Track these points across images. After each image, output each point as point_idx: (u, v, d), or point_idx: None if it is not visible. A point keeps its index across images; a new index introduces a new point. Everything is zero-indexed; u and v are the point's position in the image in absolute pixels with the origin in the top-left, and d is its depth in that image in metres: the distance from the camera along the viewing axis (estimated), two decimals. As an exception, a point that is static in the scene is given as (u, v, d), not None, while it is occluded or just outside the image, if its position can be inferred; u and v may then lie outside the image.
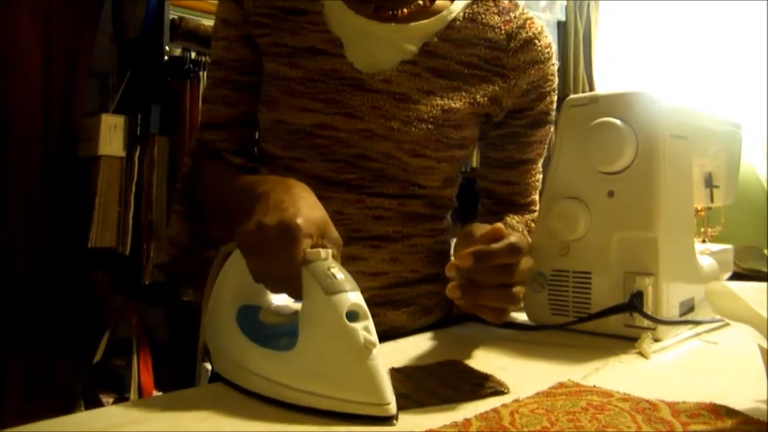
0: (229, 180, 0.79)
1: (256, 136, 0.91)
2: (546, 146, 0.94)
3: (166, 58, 1.99)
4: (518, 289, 0.63)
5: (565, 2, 3.21)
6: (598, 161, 0.79)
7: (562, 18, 3.22)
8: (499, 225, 0.64)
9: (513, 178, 0.93)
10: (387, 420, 0.50)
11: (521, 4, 0.90)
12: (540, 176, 0.96)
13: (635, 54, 3.10)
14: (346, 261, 0.81)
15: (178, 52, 2.00)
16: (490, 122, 0.88)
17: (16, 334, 1.85)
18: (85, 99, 2.05)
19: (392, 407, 0.50)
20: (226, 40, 0.86)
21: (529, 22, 0.87)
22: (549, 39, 0.89)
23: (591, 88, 3.16)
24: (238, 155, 0.88)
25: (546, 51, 0.87)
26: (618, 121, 0.77)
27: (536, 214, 0.95)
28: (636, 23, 3.12)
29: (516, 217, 0.91)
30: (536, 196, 0.96)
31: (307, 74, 0.80)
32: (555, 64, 0.89)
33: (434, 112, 0.81)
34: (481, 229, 0.67)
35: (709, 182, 0.95)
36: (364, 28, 0.82)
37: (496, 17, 0.85)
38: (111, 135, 1.93)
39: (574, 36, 3.16)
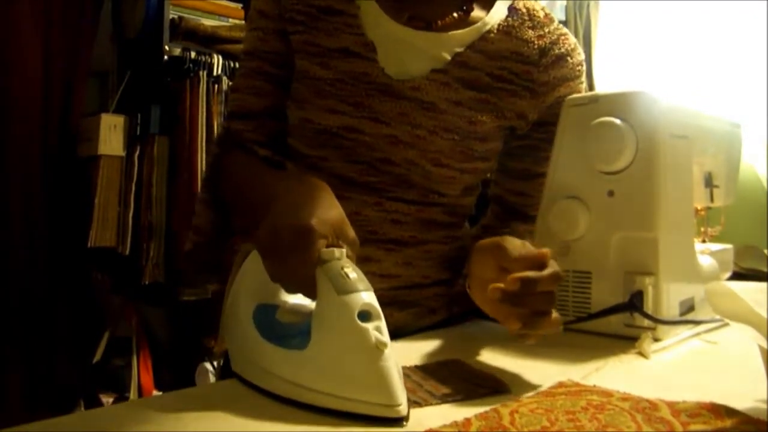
0: (252, 174, 0.79)
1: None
2: None
3: (165, 57, 1.99)
4: (557, 315, 0.63)
5: (565, 2, 3.21)
6: (598, 161, 0.79)
7: (562, 18, 3.22)
8: (546, 251, 0.64)
9: (527, 190, 0.92)
10: (397, 421, 0.50)
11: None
12: None
13: (635, 54, 3.10)
14: (359, 261, 0.81)
15: (177, 51, 2.00)
16: (514, 134, 0.88)
17: (16, 334, 1.85)
18: (85, 99, 2.05)
19: (402, 408, 0.50)
20: (261, 31, 0.85)
21: (563, 38, 0.87)
22: (582, 56, 0.88)
23: (591, 88, 3.16)
24: (265, 147, 0.86)
25: (577, 69, 0.87)
26: (618, 121, 0.77)
27: None
28: (636, 23, 3.12)
29: (523, 226, 0.91)
30: None
31: (337, 75, 0.80)
32: (584, 82, 0.89)
33: (461, 123, 0.81)
34: (514, 245, 0.66)
35: (709, 182, 0.95)
36: (398, 34, 0.81)
37: (531, 32, 0.85)
38: (111, 135, 1.93)
39: (573, 36, 3.16)
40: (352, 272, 0.54)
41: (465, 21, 0.83)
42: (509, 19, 0.85)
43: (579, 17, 3.21)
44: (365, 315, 0.53)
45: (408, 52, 0.81)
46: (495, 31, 0.83)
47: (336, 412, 0.51)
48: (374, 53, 0.80)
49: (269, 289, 0.62)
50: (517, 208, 0.93)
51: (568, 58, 0.86)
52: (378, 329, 0.52)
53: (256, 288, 0.62)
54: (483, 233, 0.91)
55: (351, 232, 0.60)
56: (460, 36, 0.82)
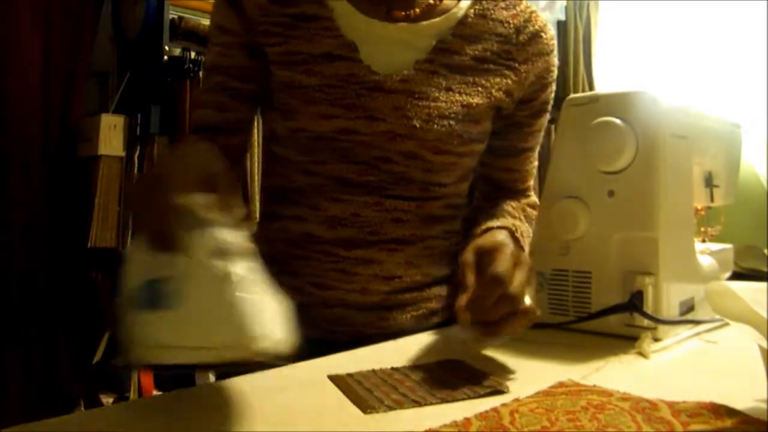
0: None
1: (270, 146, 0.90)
2: (542, 134, 0.97)
3: (165, 57, 1.99)
4: (527, 304, 0.63)
5: (564, 2, 3.21)
6: (598, 160, 0.79)
7: (562, 18, 3.22)
8: (494, 273, 0.63)
9: (514, 165, 0.94)
10: (273, 356, 0.45)
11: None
12: (536, 163, 0.98)
13: (635, 54, 3.10)
14: (361, 264, 0.82)
15: (177, 51, 2.00)
16: (499, 114, 0.89)
17: (15, 334, 1.85)
18: (85, 99, 2.05)
19: (264, 342, 0.44)
20: (222, 46, 0.85)
21: (534, 15, 0.89)
22: (552, 31, 0.91)
23: (591, 88, 3.16)
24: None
25: (551, 43, 0.90)
26: (618, 121, 0.77)
27: (532, 198, 0.97)
28: (636, 23, 3.12)
29: (512, 203, 0.92)
30: (532, 182, 0.98)
31: (324, 81, 0.80)
32: (557, 56, 0.92)
33: (454, 108, 0.82)
34: (469, 262, 0.68)
35: (709, 182, 0.95)
36: (376, 30, 0.82)
37: (504, 12, 0.87)
38: (111, 135, 1.93)
39: (574, 36, 3.16)
40: (209, 213, 0.49)
41: (439, 8, 0.84)
42: (482, 2, 0.86)
43: (579, 17, 3.21)
44: (221, 252, 0.47)
45: (390, 46, 0.82)
46: (471, 16, 0.85)
47: (211, 365, 0.46)
48: (357, 53, 0.80)
49: (155, 263, 0.52)
50: (505, 183, 0.95)
51: (542, 34, 0.89)
52: (235, 264, 0.46)
53: (142, 268, 0.53)
54: (474, 214, 0.92)
55: (220, 182, 0.56)
56: (438, 24, 0.83)
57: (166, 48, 1.99)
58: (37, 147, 1.92)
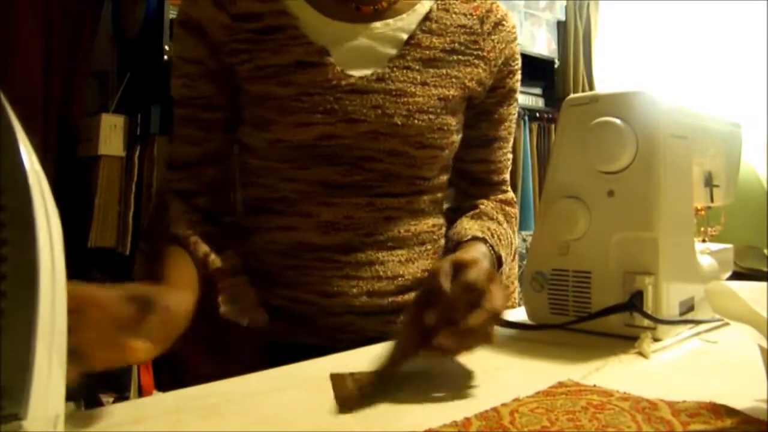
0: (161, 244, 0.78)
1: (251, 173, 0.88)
2: (513, 126, 0.98)
3: (166, 57, 2.00)
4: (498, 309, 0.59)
5: (565, 2, 3.21)
6: (598, 161, 0.79)
7: (562, 18, 3.22)
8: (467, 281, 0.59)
9: (487, 156, 0.95)
10: None
11: (521, 4, 0.91)
12: (511, 156, 0.98)
13: (635, 54, 3.10)
14: (363, 266, 0.81)
15: (177, 51, 2.00)
16: (470, 104, 0.90)
17: (16, 334, 1.85)
18: (85, 99, 2.05)
19: None
20: (186, 78, 0.84)
21: (495, 5, 0.91)
22: (514, 20, 0.94)
23: (591, 88, 3.17)
24: (201, 195, 0.85)
25: (513, 31, 0.92)
26: (618, 121, 0.77)
27: (509, 194, 0.97)
28: (636, 23, 3.12)
29: (490, 204, 0.93)
30: (507, 176, 0.98)
31: (299, 89, 0.79)
32: (518, 44, 0.95)
33: (432, 102, 0.83)
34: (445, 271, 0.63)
35: (709, 182, 0.95)
36: (345, 33, 0.82)
37: (465, 5, 0.89)
38: (111, 135, 1.93)
39: (574, 36, 3.16)
40: None
41: (403, 4, 0.85)
42: None
43: (579, 17, 3.21)
44: None
45: (360, 47, 0.82)
46: (435, 10, 0.86)
47: None
48: (329, 57, 0.80)
49: None
50: (481, 176, 0.95)
51: (504, 23, 0.91)
52: None
53: None
54: (452, 214, 0.93)
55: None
56: (406, 20, 0.84)
57: (166, 48, 1.99)
58: (38, 147, 1.92)
